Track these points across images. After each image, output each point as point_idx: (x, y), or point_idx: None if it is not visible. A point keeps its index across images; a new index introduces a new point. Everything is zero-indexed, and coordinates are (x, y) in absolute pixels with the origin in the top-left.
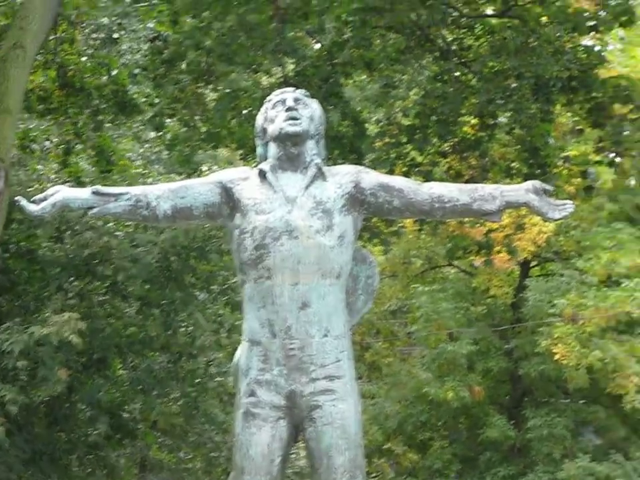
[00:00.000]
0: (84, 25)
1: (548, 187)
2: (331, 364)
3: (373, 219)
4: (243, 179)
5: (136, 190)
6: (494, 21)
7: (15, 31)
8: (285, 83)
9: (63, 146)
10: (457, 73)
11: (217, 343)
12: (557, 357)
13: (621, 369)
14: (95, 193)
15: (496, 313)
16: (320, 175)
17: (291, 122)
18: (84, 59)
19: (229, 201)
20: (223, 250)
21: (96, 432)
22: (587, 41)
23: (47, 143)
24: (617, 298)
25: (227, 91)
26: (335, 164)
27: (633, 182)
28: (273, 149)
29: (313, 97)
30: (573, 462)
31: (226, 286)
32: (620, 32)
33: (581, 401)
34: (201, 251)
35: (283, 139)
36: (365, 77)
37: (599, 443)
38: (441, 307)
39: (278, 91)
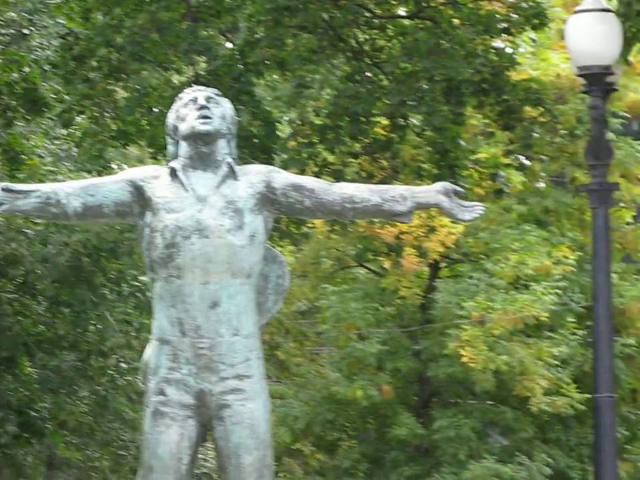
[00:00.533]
0: None
1: (458, 188)
2: (240, 363)
3: (284, 218)
4: (154, 177)
5: (46, 187)
6: (406, 22)
7: None
8: (196, 81)
9: None
10: (369, 74)
11: (127, 342)
12: (464, 359)
13: (527, 371)
14: (5, 189)
15: (405, 313)
16: (231, 174)
17: (202, 120)
18: None
19: (140, 199)
20: (134, 251)
21: (4, 432)
22: (498, 43)
23: None
24: (525, 301)
25: (138, 88)
26: (245, 164)
27: (542, 185)
28: (184, 147)
29: (224, 96)
30: (479, 463)
31: (136, 286)
32: (531, 35)
33: (488, 403)
34: (113, 252)
35: (195, 137)
36: (277, 76)
37: (505, 444)
38: (351, 307)
39: (189, 89)
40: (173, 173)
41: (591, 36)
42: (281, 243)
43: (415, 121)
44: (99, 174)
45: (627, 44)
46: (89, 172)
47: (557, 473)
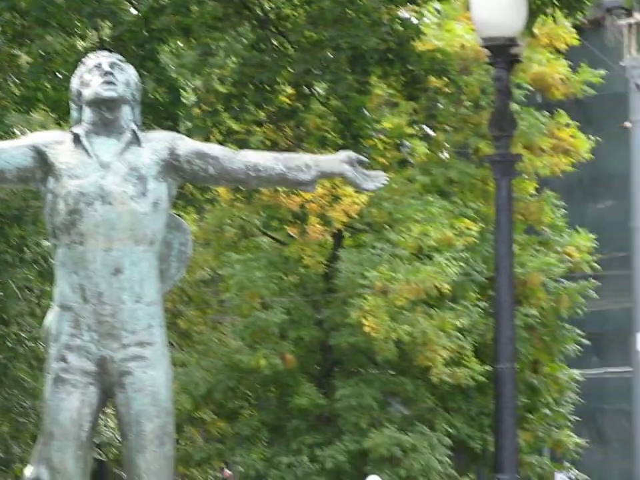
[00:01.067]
0: None
1: (362, 158)
2: (142, 330)
3: (188, 186)
4: (57, 143)
5: None
6: None
7: None
8: (101, 47)
9: None
10: (275, 42)
11: (29, 309)
12: (367, 329)
13: (429, 342)
14: None
15: (308, 282)
16: (135, 140)
17: (106, 86)
18: None
19: (43, 164)
20: (38, 219)
21: None
22: (404, 13)
23: None
24: (427, 272)
25: (42, 53)
26: (150, 131)
27: (445, 155)
28: (87, 113)
29: (128, 62)
30: (380, 431)
31: (38, 253)
32: (436, 5)
33: (390, 372)
34: (17, 219)
35: (99, 103)
36: (181, 43)
37: (407, 413)
38: (254, 275)
39: (94, 55)
40: (76, 139)
41: (495, 7)
42: (185, 211)
43: (319, 90)
44: (0, 139)
45: (532, 16)
46: None
47: (457, 442)
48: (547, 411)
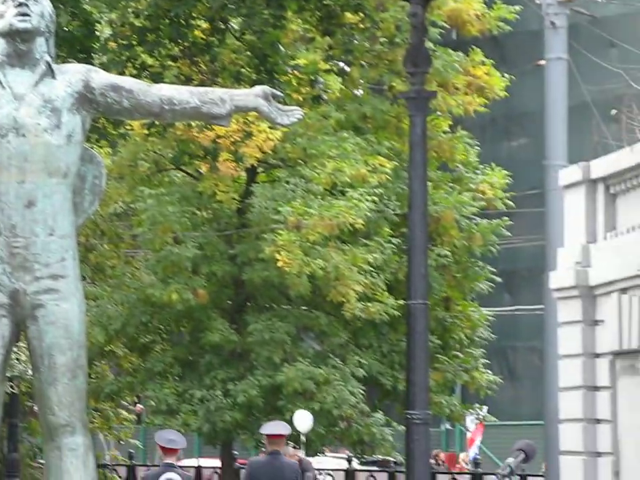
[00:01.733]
0: None
1: (277, 92)
2: (55, 263)
3: (101, 119)
4: None
5: None
6: None
7: None
8: None
9: None
10: None
11: None
12: (279, 264)
13: (342, 277)
14: None
15: (222, 217)
16: (49, 72)
17: (20, 18)
18: None
19: None
20: None
21: None
22: None
23: None
24: (341, 208)
25: None
26: (64, 63)
27: (360, 92)
28: (2, 44)
29: None
30: (293, 366)
31: None
32: None
33: (303, 308)
34: None
35: (13, 34)
36: None
37: (319, 349)
38: (167, 210)
39: None
40: None
41: None
42: (98, 145)
43: (234, 25)
44: None
45: None
46: None
47: (369, 378)
48: (459, 353)
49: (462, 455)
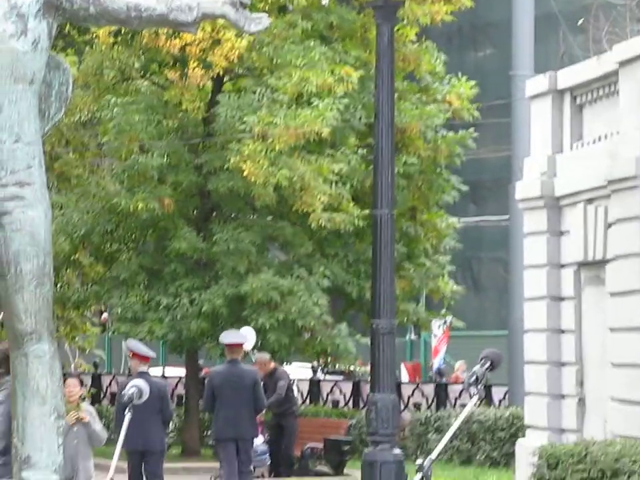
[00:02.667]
0: None
1: (244, 0)
2: (21, 170)
3: (67, 26)
4: None
5: None
6: None
7: None
8: None
9: None
10: None
11: None
12: (245, 173)
13: (308, 187)
14: None
15: (187, 127)
16: None
17: None
18: None
19: None
20: None
21: None
22: None
23: None
24: (307, 117)
25: None
26: None
27: (326, 1)
28: None
29: None
30: (257, 276)
31: None
32: None
33: (268, 218)
34: None
35: None
36: None
37: (285, 259)
38: (133, 119)
39: None
40: None
41: None
42: (64, 52)
43: None
44: None
45: None
46: None
47: (334, 288)
48: (425, 260)
49: (459, 363)
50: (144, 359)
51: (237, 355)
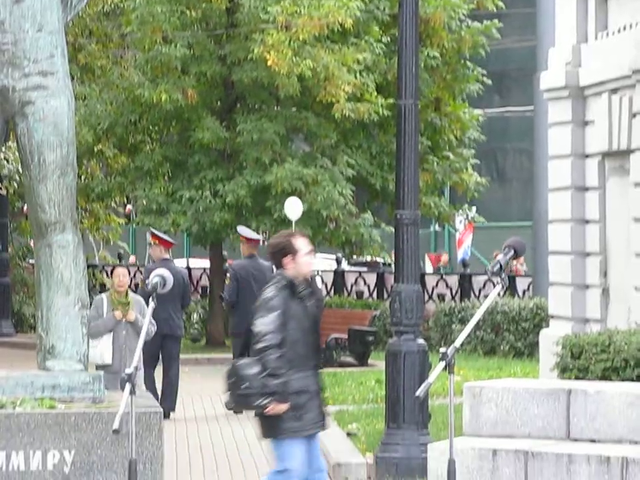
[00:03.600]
0: None
1: None
2: (44, 60)
3: None
4: None
5: None
6: None
7: None
8: None
9: None
10: None
11: None
12: (269, 63)
13: (331, 77)
14: None
15: (211, 17)
16: None
17: None
18: None
19: None
20: None
21: None
22: None
23: None
24: (331, 7)
25: None
26: None
27: None
28: None
29: None
30: (282, 166)
31: None
32: None
33: (292, 108)
34: None
35: None
36: None
37: (309, 150)
38: (156, 9)
39: None
40: None
41: None
42: None
43: None
44: None
45: None
46: None
47: (358, 179)
48: (449, 153)
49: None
50: (167, 244)
51: (255, 251)
